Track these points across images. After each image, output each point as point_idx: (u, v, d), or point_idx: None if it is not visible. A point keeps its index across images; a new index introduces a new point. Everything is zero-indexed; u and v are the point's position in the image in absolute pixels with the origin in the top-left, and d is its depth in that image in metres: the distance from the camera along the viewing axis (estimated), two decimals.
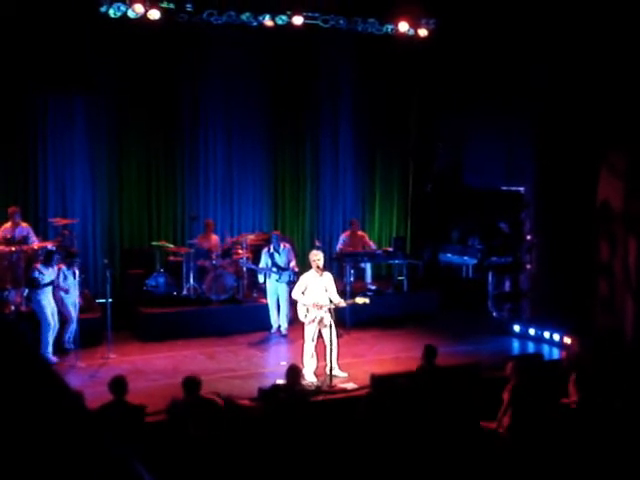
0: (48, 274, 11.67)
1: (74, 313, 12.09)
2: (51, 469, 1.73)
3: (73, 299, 12.08)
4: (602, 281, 13.24)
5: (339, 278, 14.91)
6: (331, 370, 10.54)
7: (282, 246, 13.71)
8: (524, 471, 7.63)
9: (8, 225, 13.01)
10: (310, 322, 10.84)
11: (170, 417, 8.41)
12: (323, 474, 7.91)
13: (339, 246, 15.59)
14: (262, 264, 13.70)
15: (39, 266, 11.73)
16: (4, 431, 1.72)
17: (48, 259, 11.83)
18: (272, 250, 13.62)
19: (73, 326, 12.06)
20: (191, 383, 8.12)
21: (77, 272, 12.22)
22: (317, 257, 11.06)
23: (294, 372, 8.98)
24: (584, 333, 12.10)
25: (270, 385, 9.44)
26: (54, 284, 11.76)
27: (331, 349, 10.63)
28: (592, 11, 12.83)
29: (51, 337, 11.58)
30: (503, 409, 8.25)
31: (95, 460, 1.82)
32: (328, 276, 11.06)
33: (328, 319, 10.78)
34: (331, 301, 10.81)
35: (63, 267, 12.12)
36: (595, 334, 12.31)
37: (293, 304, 11.90)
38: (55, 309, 11.77)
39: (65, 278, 12.02)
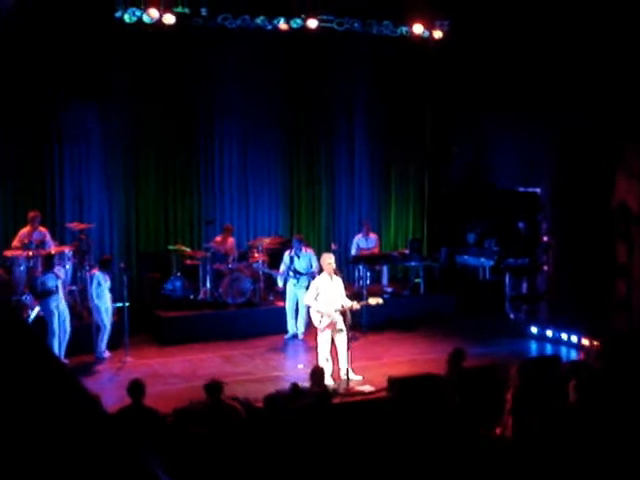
0: (49, 280, 11.70)
1: (107, 320, 12.13)
2: (69, 470, 1.74)
3: (106, 305, 12.13)
4: (619, 282, 13.18)
5: (355, 281, 14.94)
6: (347, 373, 10.55)
7: (304, 250, 13.70)
8: (529, 476, 7.59)
9: (26, 230, 13.09)
10: (325, 328, 10.83)
11: (176, 419, 8.43)
12: (341, 477, 7.91)
13: (354, 250, 15.57)
14: (282, 267, 13.71)
15: (40, 276, 11.79)
16: (22, 432, 1.73)
17: (48, 265, 11.86)
18: (293, 254, 13.63)
19: (106, 335, 12.12)
20: (213, 386, 8.13)
21: (107, 278, 12.22)
22: (331, 260, 11.05)
23: (318, 374, 9.00)
24: (601, 335, 12.03)
25: (289, 387, 9.45)
26: (59, 288, 11.79)
27: (346, 353, 10.65)
28: (610, 10, 12.79)
29: (57, 343, 11.60)
30: (507, 412, 8.20)
31: (113, 461, 1.83)
32: (339, 280, 11.05)
33: (341, 323, 10.78)
34: (342, 305, 10.79)
35: (97, 272, 12.17)
36: (612, 335, 12.24)
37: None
38: (67, 316, 11.80)
39: (99, 284, 12.05)
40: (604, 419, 7.85)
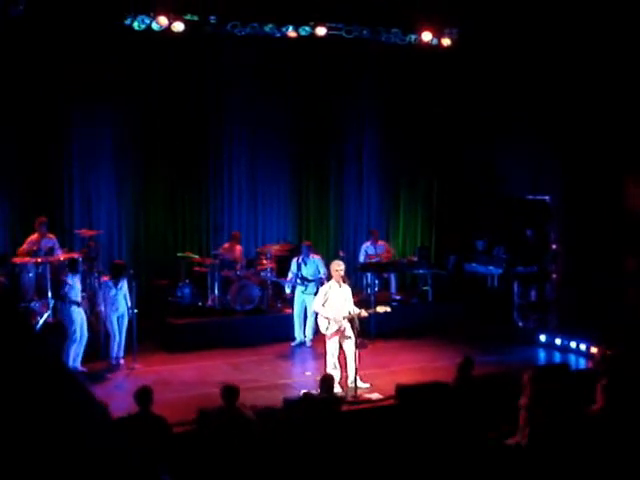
0: (76, 284, 11.71)
1: (116, 328, 12.06)
2: (77, 477, 1.74)
3: (118, 313, 12.07)
4: (629, 290, 13.13)
5: (363, 288, 14.91)
6: (355, 380, 10.53)
7: (311, 257, 13.70)
8: None
9: (35, 236, 13.11)
10: (332, 334, 10.81)
11: (200, 427, 8.42)
12: None
13: (362, 257, 15.55)
14: (290, 274, 13.72)
15: (67, 277, 11.76)
16: (30, 440, 1.73)
17: (74, 268, 11.87)
18: (300, 261, 13.63)
19: (116, 342, 12.06)
20: (228, 391, 8.11)
21: (121, 284, 12.11)
22: (340, 267, 11.03)
23: (328, 381, 8.98)
24: (611, 343, 11.98)
25: (300, 395, 9.46)
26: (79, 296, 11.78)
27: (354, 360, 10.64)
28: (619, 19, 12.77)
29: (74, 349, 11.57)
30: (523, 420, 8.14)
31: (121, 469, 1.83)
32: (347, 287, 11.03)
33: (349, 330, 10.76)
34: (350, 312, 10.76)
35: (106, 279, 12.18)
36: (622, 344, 12.19)
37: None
38: (84, 323, 11.78)
39: (108, 291, 12.05)
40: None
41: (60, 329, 11.57)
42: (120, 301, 12.05)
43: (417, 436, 8.47)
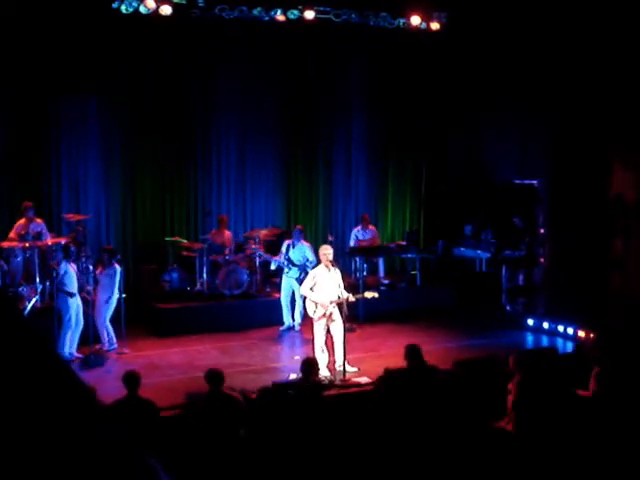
0: (71, 270, 11.62)
1: (104, 314, 12.01)
2: (64, 463, 1.74)
3: (105, 298, 11.97)
4: (615, 274, 13.20)
5: (352, 273, 14.92)
6: (344, 364, 10.56)
7: (301, 242, 13.69)
8: (534, 468, 7.60)
9: (22, 221, 13.06)
10: (319, 318, 10.83)
11: (188, 411, 8.44)
12: (336, 469, 7.92)
13: (352, 242, 15.55)
14: (281, 251, 13.74)
15: (61, 264, 11.64)
16: (18, 426, 1.73)
17: (67, 254, 11.79)
18: (291, 243, 13.65)
19: (104, 328, 12.01)
20: (214, 376, 8.13)
21: (110, 270, 11.99)
22: (327, 251, 11.04)
23: (310, 365, 8.97)
24: (597, 327, 12.06)
25: (285, 380, 9.48)
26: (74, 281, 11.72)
27: (342, 344, 10.66)
28: (607, 5, 12.77)
29: (70, 336, 11.55)
30: (511, 404, 8.18)
31: (108, 454, 1.83)
32: (337, 271, 11.03)
33: (337, 314, 10.77)
34: (339, 296, 10.76)
35: (97, 265, 12.15)
36: (608, 328, 12.27)
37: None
38: (80, 310, 11.72)
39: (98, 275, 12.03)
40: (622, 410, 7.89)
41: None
42: (107, 286, 12.00)
43: (405, 419, 8.51)
